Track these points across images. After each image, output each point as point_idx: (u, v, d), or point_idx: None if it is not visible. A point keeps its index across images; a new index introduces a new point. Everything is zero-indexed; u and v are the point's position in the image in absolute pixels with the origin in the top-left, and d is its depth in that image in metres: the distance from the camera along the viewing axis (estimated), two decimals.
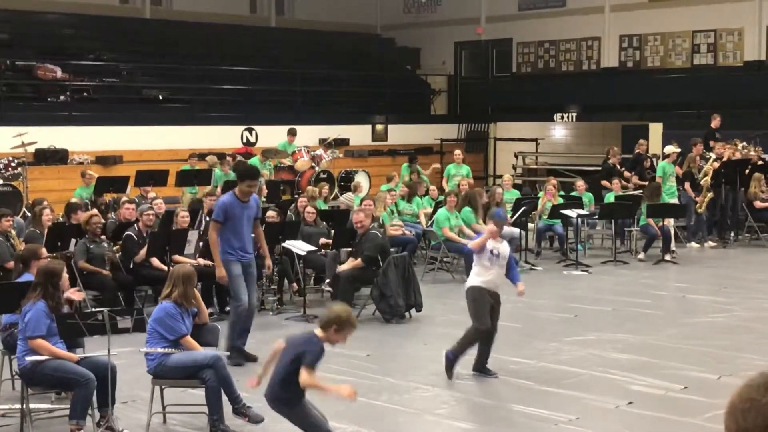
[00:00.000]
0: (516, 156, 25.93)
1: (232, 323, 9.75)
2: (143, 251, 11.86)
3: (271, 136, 21.04)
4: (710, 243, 17.85)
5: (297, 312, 12.19)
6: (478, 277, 9.06)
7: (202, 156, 19.02)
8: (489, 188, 17.86)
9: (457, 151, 19.68)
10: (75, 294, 8.38)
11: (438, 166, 21.70)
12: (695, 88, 23.35)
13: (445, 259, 15.33)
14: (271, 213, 13.44)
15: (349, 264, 12.01)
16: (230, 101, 23.82)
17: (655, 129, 23.13)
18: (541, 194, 17.46)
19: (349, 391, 6.24)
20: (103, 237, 12.02)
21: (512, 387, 8.93)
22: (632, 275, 15.11)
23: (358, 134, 24.22)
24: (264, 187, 16.57)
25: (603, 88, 25.49)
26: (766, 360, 9.63)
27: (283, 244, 12.34)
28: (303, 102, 24.41)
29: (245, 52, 25.64)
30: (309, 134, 21.87)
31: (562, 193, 17.69)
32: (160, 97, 22.80)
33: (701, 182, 17.83)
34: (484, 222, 15.31)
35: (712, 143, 19.03)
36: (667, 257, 16.05)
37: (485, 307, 9.01)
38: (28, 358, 7.33)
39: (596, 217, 17.01)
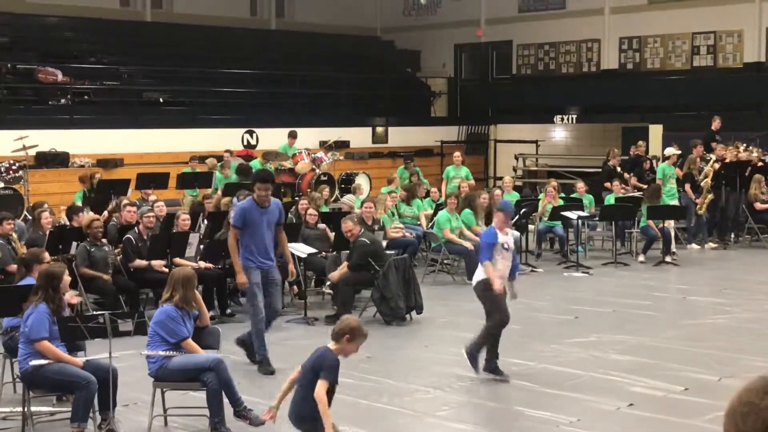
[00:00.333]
0: (516, 158, 25.93)
1: (254, 335, 9.56)
2: (138, 261, 11.83)
3: (271, 138, 21.05)
4: (711, 244, 17.86)
5: (298, 314, 12.20)
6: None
7: (202, 159, 19.03)
8: (489, 190, 17.85)
9: (456, 153, 19.69)
10: (72, 299, 8.39)
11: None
12: (695, 90, 23.37)
13: (445, 261, 15.34)
14: None
15: (339, 271, 12.01)
16: (231, 104, 23.83)
17: (655, 131, 23.14)
18: (541, 196, 17.47)
19: None
20: (104, 240, 12.02)
21: (513, 389, 8.93)
22: (633, 277, 15.11)
23: (359, 136, 24.23)
24: None
25: (603, 89, 25.52)
26: (766, 361, 9.64)
27: None
28: (303, 104, 24.42)
29: (245, 55, 25.67)
30: (309, 137, 21.88)
31: (562, 194, 17.70)
32: (161, 100, 22.81)
33: (701, 184, 17.83)
34: (486, 225, 15.36)
35: (712, 145, 19.04)
36: (668, 259, 16.05)
37: (499, 297, 9.04)
38: (30, 362, 7.34)
39: (597, 218, 17.02)
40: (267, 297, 9.60)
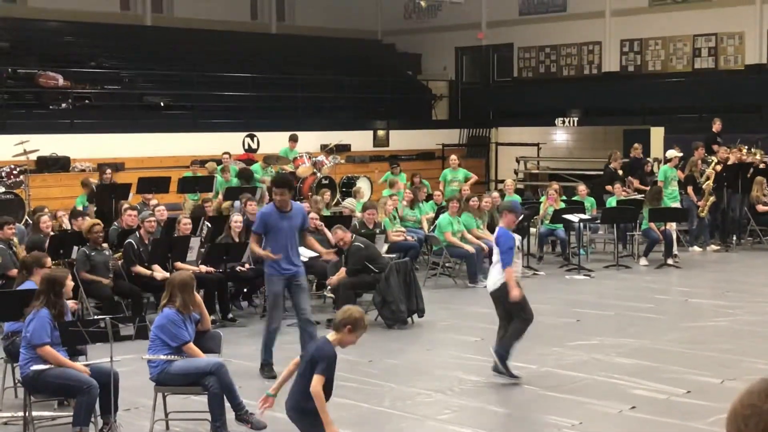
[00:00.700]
0: (517, 161, 25.94)
1: (264, 342, 9.38)
2: (139, 268, 11.83)
3: (272, 142, 21.05)
4: (713, 247, 17.84)
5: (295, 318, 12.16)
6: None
7: (203, 163, 19.04)
8: (491, 193, 17.86)
9: (453, 156, 19.83)
10: (71, 304, 8.37)
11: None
12: (696, 92, 23.38)
13: (447, 265, 15.33)
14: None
15: (336, 276, 12.01)
16: (231, 108, 23.85)
17: (657, 133, 23.15)
18: (542, 199, 17.46)
19: None
20: (104, 245, 12.01)
21: (515, 392, 8.92)
22: (635, 279, 15.10)
23: (360, 140, 24.24)
24: (266, 193, 16.60)
25: (604, 92, 25.53)
26: None
27: None
28: (304, 108, 24.44)
29: (246, 59, 25.69)
30: (310, 140, 21.88)
31: (564, 197, 17.69)
32: (162, 104, 22.83)
33: (703, 186, 17.82)
34: (489, 230, 15.36)
35: (714, 147, 19.03)
36: (670, 261, 16.04)
37: (524, 297, 9.04)
38: (32, 367, 7.33)
39: (598, 221, 17.00)
40: (295, 302, 9.38)
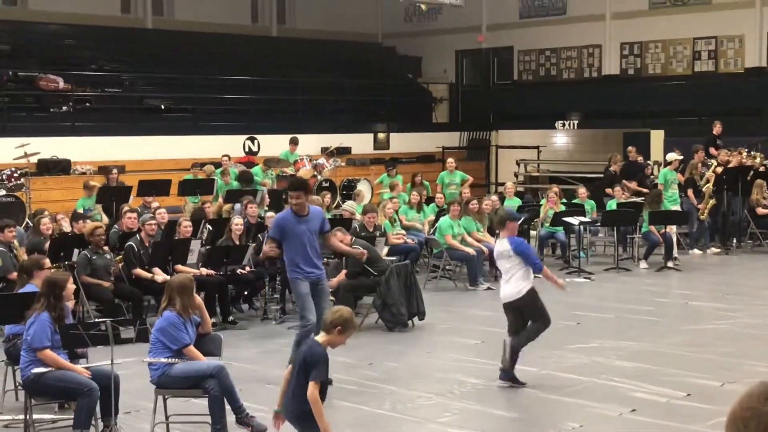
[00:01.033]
0: (518, 163, 25.95)
1: (296, 342, 9.08)
2: (140, 271, 11.84)
3: (273, 145, 21.06)
4: (713, 250, 17.84)
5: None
6: (528, 278, 9.06)
7: (204, 165, 19.05)
8: (490, 196, 17.87)
9: (450, 159, 19.82)
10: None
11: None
12: (696, 95, 23.39)
13: (447, 267, 15.34)
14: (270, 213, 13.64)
15: (336, 278, 12.01)
16: (232, 110, 23.85)
17: (657, 136, 23.17)
18: (543, 202, 17.48)
19: None
20: (105, 248, 12.02)
21: (515, 395, 8.92)
22: (635, 282, 15.10)
23: (360, 143, 24.25)
24: (266, 196, 16.61)
25: (604, 95, 25.54)
26: None
27: None
28: (305, 111, 24.45)
29: (247, 62, 25.71)
30: (311, 143, 21.89)
31: (564, 200, 17.69)
32: (162, 107, 22.84)
33: (703, 189, 17.83)
34: (489, 233, 15.37)
35: (712, 151, 19.04)
36: (670, 264, 16.04)
37: (541, 302, 9.14)
38: (32, 370, 7.34)
39: (598, 224, 17.01)
40: (317, 306, 9.20)
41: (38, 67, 21.49)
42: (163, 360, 7.54)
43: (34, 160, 17.98)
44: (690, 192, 17.76)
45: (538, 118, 26.21)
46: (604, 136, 25.75)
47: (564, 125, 25.48)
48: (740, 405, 2.20)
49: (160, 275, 11.68)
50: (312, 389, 5.99)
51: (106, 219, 14.94)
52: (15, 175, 17.06)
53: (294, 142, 20.31)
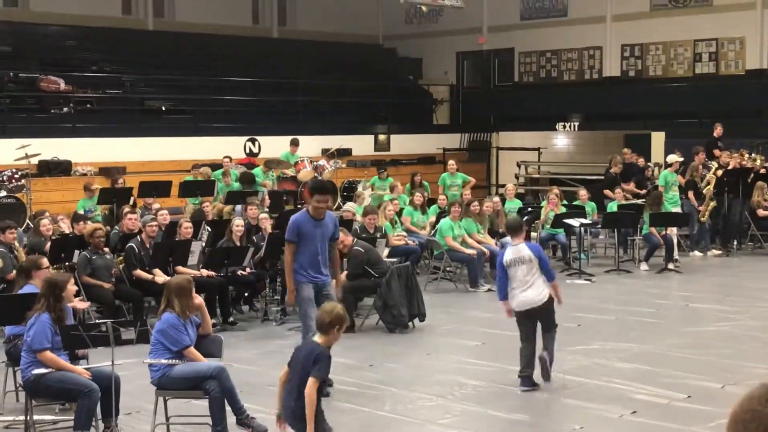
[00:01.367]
0: (518, 165, 25.94)
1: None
2: (140, 272, 11.84)
3: (273, 146, 21.07)
4: (713, 252, 17.84)
5: (300, 322, 12.17)
6: (546, 283, 9.13)
7: (201, 167, 19.03)
8: (491, 197, 17.87)
9: (451, 162, 19.80)
10: (79, 304, 8.38)
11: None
12: (697, 97, 23.37)
13: (448, 269, 15.33)
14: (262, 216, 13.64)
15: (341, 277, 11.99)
16: (233, 112, 23.86)
17: (658, 138, 23.15)
18: (543, 204, 17.48)
19: None
20: (106, 249, 12.02)
21: (516, 397, 8.92)
22: (635, 284, 15.10)
23: (361, 144, 24.25)
24: (267, 197, 16.61)
25: (605, 97, 25.53)
26: None
27: None
28: (305, 112, 24.45)
29: (248, 63, 25.71)
30: (311, 144, 21.90)
31: (564, 202, 17.69)
32: (163, 109, 22.84)
33: (704, 191, 17.83)
34: (490, 234, 15.38)
35: (715, 152, 19.04)
36: (671, 266, 16.04)
37: None
38: (33, 371, 7.34)
39: (599, 226, 17.00)
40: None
41: (39, 69, 21.49)
42: (163, 361, 7.54)
43: (34, 161, 17.98)
44: (690, 194, 17.76)
45: (539, 119, 26.19)
46: (604, 138, 25.74)
47: (565, 127, 25.47)
48: (741, 407, 2.20)
49: (160, 276, 11.68)
50: (311, 385, 5.98)
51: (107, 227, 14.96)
52: (16, 176, 17.07)
53: (295, 144, 20.32)
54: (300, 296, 9.12)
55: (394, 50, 30.48)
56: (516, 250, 9.13)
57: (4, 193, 16.60)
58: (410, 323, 11.92)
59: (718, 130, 19.86)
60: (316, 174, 19.85)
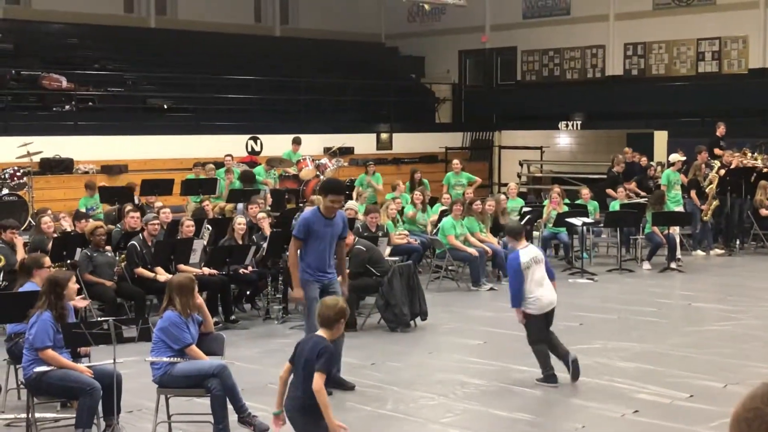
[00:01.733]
0: (521, 164, 25.93)
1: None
2: (142, 270, 11.83)
3: (275, 145, 21.07)
4: (716, 251, 17.82)
5: (301, 321, 12.15)
6: None
7: (205, 165, 19.03)
8: (494, 196, 17.85)
9: (455, 161, 19.76)
10: (79, 302, 8.38)
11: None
12: (700, 96, 23.36)
13: (450, 268, 15.32)
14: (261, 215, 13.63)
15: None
16: (235, 110, 23.86)
17: (660, 137, 23.15)
18: (546, 202, 17.47)
19: (336, 426, 5.98)
20: (107, 247, 12.02)
21: (518, 396, 8.91)
22: (638, 283, 15.09)
23: (363, 143, 24.25)
24: (269, 195, 16.61)
25: (607, 96, 25.52)
26: None
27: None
28: (307, 111, 24.44)
29: (250, 61, 25.71)
30: (314, 143, 21.90)
31: (567, 201, 17.68)
32: (165, 107, 22.84)
33: (706, 190, 17.81)
34: (493, 233, 15.36)
35: (716, 151, 19.02)
36: (673, 265, 16.03)
37: None
38: (35, 368, 7.34)
39: (601, 225, 17.00)
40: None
41: (41, 67, 21.50)
42: (165, 359, 7.54)
43: (36, 159, 18.00)
44: (693, 193, 17.74)
45: (542, 118, 26.19)
46: (607, 137, 25.73)
47: (567, 126, 25.47)
48: (743, 406, 2.19)
49: (162, 275, 11.68)
50: (318, 379, 5.97)
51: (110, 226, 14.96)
52: (18, 174, 17.09)
53: (297, 142, 20.31)
54: (306, 296, 9.05)
55: (397, 49, 30.49)
56: (529, 251, 9.14)
57: (6, 191, 16.62)
58: (412, 322, 11.92)
59: (720, 129, 19.84)
60: (318, 173, 19.85)
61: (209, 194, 17.00)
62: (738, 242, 18.09)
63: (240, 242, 12.69)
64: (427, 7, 26.41)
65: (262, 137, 21.87)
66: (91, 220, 13.40)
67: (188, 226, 12.68)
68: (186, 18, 27.00)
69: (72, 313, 7.84)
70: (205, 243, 13.06)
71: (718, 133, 19.81)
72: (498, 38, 28.28)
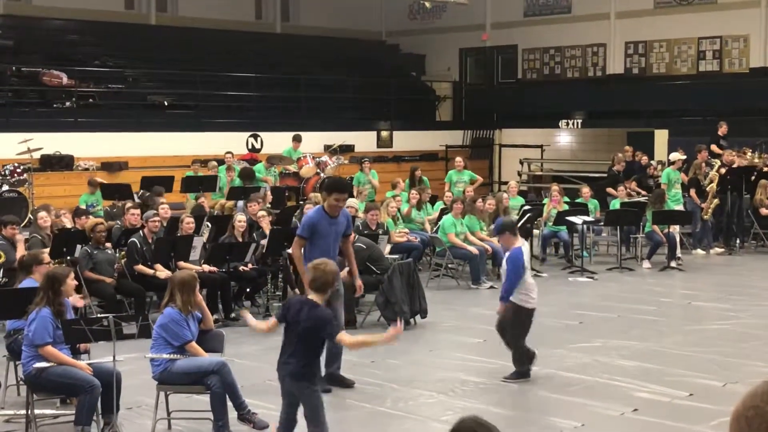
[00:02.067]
0: (521, 162, 25.93)
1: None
2: (142, 267, 11.83)
3: (276, 142, 21.06)
4: (716, 250, 17.82)
5: None
6: None
7: (205, 162, 19.03)
8: (495, 194, 17.85)
9: (458, 158, 19.69)
10: (78, 301, 8.37)
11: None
12: (701, 95, 23.36)
13: (450, 266, 15.32)
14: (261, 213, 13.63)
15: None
16: (235, 107, 23.85)
17: (661, 136, 23.15)
18: (546, 201, 17.47)
19: (390, 336, 6.33)
20: (108, 244, 12.02)
21: (517, 394, 8.91)
22: (638, 282, 15.09)
23: (363, 141, 24.23)
24: (269, 193, 16.61)
25: (608, 94, 25.52)
26: None
27: (288, 251, 12.33)
28: (308, 108, 24.43)
29: (250, 59, 25.70)
30: (314, 140, 21.89)
31: (567, 199, 17.68)
32: (165, 103, 22.83)
33: (707, 189, 17.81)
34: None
35: (714, 149, 19.01)
36: (673, 264, 16.03)
37: None
38: (34, 365, 7.34)
39: (602, 223, 17.00)
40: (330, 308, 8.79)
41: (42, 63, 21.48)
42: (165, 356, 7.54)
43: (37, 155, 17.98)
44: (693, 192, 17.75)
45: (542, 117, 26.18)
46: (607, 136, 25.73)
47: (568, 124, 25.46)
48: (743, 404, 2.19)
49: (162, 271, 11.68)
50: (341, 338, 6.45)
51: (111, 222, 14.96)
52: (18, 170, 17.08)
53: (297, 140, 20.31)
54: None
55: (397, 46, 30.47)
56: (526, 249, 9.45)
57: (6, 188, 16.61)
58: (412, 320, 11.91)
59: (722, 129, 19.84)
60: (318, 170, 19.85)
61: (209, 192, 16.99)
62: (738, 241, 18.09)
63: (240, 239, 12.69)
64: (428, 4, 26.38)
65: (263, 134, 21.86)
66: (91, 216, 13.40)
67: (188, 223, 12.67)
68: (186, 15, 26.98)
69: (69, 309, 7.83)
70: (205, 240, 13.07)
71: (719, 132, 19.81)
72: (499, 36, 28.26)
